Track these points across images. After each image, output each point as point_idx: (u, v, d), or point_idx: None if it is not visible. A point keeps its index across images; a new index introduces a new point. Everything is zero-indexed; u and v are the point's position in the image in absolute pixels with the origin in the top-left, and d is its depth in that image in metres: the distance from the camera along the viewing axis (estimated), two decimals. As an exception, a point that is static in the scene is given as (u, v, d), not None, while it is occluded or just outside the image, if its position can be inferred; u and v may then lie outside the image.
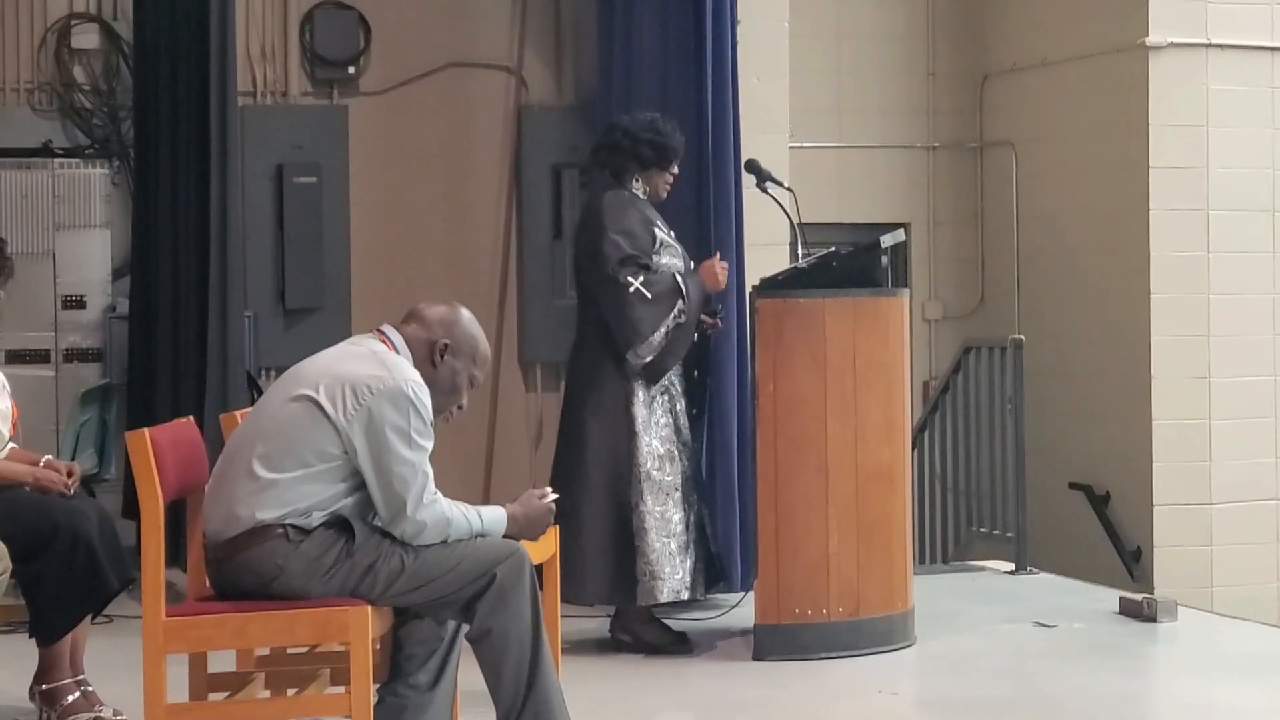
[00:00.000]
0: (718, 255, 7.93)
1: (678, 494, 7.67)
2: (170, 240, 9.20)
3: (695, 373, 7.96)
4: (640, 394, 7.66)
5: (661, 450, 7.66)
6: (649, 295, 7.54)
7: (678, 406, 7.79)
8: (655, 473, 7.63)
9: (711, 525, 8.05)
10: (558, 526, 6.18)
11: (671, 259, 7.71)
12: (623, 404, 7.65)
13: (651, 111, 8.00)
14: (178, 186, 9.13)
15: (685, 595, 7.72)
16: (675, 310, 7.56)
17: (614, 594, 7.69)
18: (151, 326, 9.37)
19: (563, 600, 7.51)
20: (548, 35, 10.48)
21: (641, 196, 7.74)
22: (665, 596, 7.64)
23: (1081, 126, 12.17)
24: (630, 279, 7.53)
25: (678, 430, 7.75)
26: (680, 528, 7.66)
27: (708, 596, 8.01)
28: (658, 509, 7.62)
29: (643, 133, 7.70)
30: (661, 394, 7.71)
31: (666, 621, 7.84)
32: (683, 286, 7.60)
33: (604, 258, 7.57)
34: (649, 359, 7.60)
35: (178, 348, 9.09)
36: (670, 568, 7.63)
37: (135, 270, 9.68)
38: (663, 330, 7.56)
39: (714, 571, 7.98)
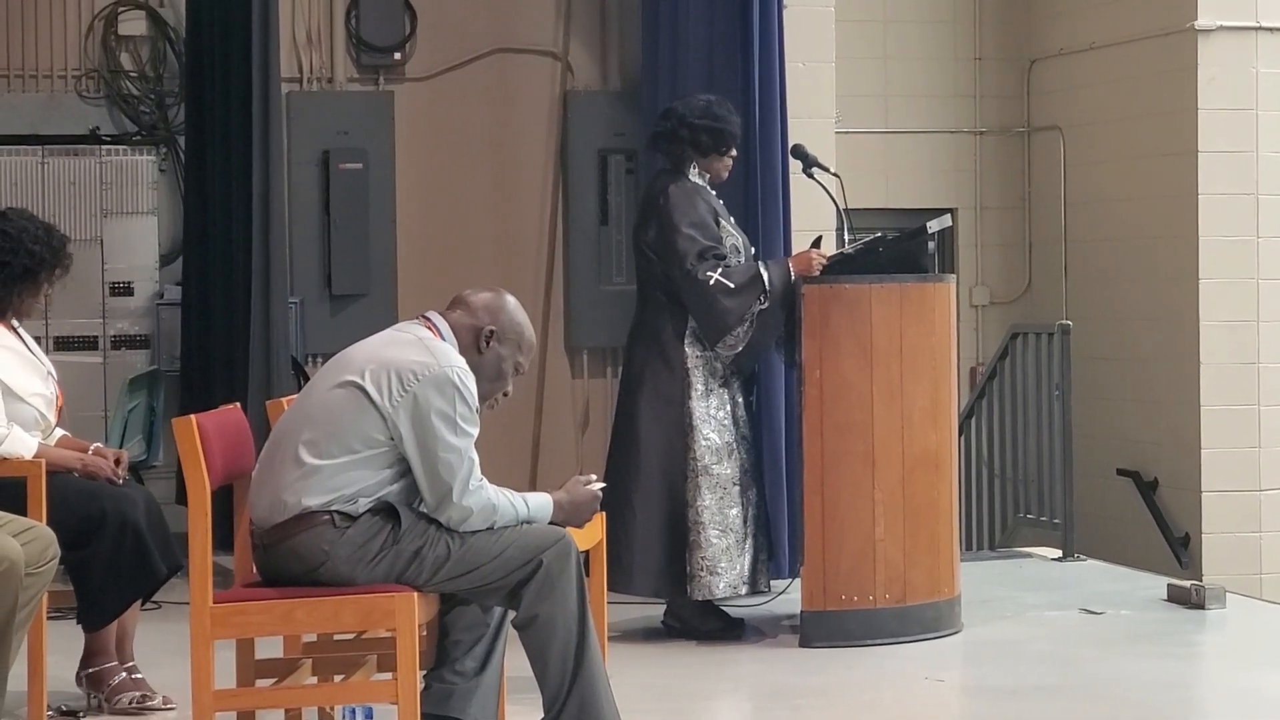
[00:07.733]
0: (819, 248, 7.71)
1: (735, 489, 7.59)
2: (220, 227, 9.24)
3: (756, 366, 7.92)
4: (698, 386, 7.57)
5: (719, 443, 7.57)
6: (731, 285, 7.43)
7: (739, 398, 7.70)
8: (714, 467, 7.55)
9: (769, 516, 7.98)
10: (604, 513, 6.18)
11: (733, 245, 7.65)
12: (679, 397, 7.56)
13: (702, 94, 7.93)
14: (227, 173, 9.16)
15: (744, 590, 7.64)
16: (758, 297, 7.46)
17: (661, 586, 7.62)
18: (204, 313, 9.41)
19: (609, 589, 7.52)
20: (593, 20, 10.47)
21: (703, 184, 7.68)
22: (722, 591, 7.57)
23: (1130, 111, 12.11)
24: (709, 273, 7.43)
25: (737, 423, 7.64)
26: (738, 522, 7.59)
27: (771, 588, 7.90)
28: (715, 504, 7.55)
29: (698, 119, 7.61)
30: (721, 386, 7.62)
31: (725, 608, 7.80)
32: (764, 273, 7.50)
33: (679, 255, 7.47)
34: (739, 349, 7.54)
35: (229, 334, 9.12)
36: (727, 562, 7.56)
37: (188, 257, 9.72)
38: (747, 321, 7.47)
39: (778, 563, 7.96)
